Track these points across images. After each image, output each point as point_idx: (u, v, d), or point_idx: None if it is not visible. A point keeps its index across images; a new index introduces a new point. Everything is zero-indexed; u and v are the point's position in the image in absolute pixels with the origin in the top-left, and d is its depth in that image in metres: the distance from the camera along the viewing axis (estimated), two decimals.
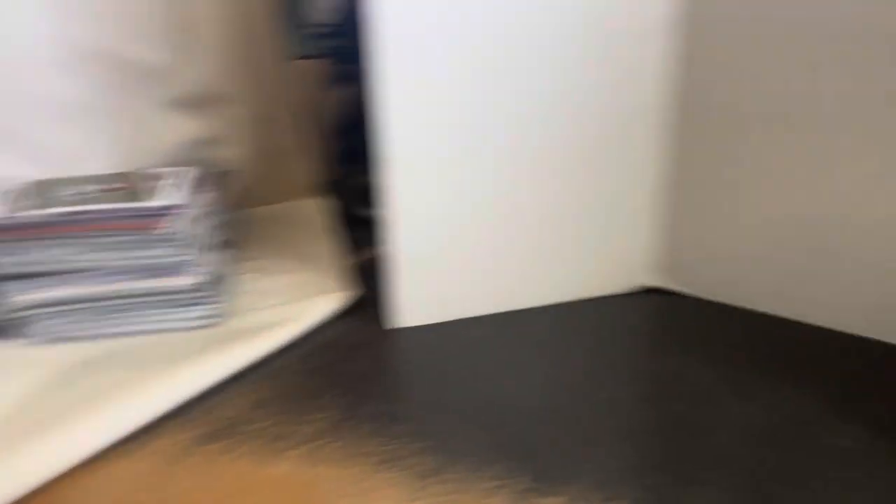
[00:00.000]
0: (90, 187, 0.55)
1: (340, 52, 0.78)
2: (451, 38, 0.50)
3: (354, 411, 0.46)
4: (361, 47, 0.51)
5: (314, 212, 0.76)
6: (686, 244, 0.60)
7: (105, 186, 0.55)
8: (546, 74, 0.53)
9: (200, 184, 0.59)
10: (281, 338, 0.54)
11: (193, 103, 0.68)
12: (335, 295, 0.59)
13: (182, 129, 0.67)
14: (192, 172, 0.59)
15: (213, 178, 0.64)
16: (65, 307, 0.53)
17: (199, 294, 0.54)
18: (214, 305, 0.55)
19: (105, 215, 0.52)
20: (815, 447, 0.42)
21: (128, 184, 0.56)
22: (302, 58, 0.81)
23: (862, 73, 0.48)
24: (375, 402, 0.47)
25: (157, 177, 0.57)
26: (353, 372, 0.51)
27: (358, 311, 0.58)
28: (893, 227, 0.49)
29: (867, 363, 0.50)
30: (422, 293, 0.56)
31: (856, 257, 0.52)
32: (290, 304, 0.57)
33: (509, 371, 0.51)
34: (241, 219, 0.71)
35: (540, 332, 0.56)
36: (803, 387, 0.48)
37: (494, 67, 0.52)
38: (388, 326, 0.56)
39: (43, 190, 0.55)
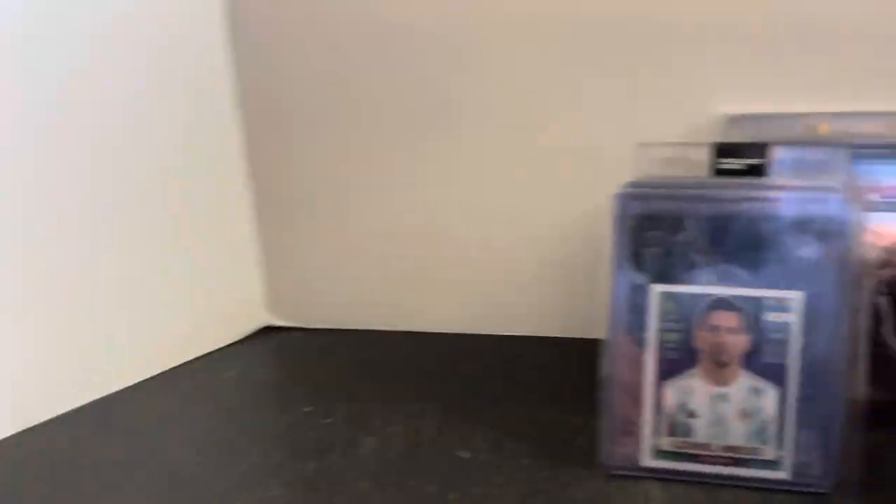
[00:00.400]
0: None
1: None
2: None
3: None
4: None
5: None
6: (288, 278, 0.57)
7: None
8: (110, 138, 0.46)
9: None
10: None
11: None
12: None
13: None
14: None
15: None
16: None
17: None
18: None
19: None
20: (449, 460, 0.42)
21: None
22: None
23: (420, 89, 0.50)
24: None
25: None
26: None
27: None
28: (476, 233, 0.52)
29: (479, 357, 0.53)
30: None
31: (444, 260, 0.54)
32: None
33: (114, 473, 0.43)
34: None
35: (134, 417, 0.49)
36: (430, 399, 0.48)
37: (55, 136, 0.43)
38: None
39: None
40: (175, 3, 0.49)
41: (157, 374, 0.52)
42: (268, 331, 0.59)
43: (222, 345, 0.56)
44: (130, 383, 0.51)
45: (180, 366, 0.54)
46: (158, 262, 0.51)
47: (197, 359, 0.55)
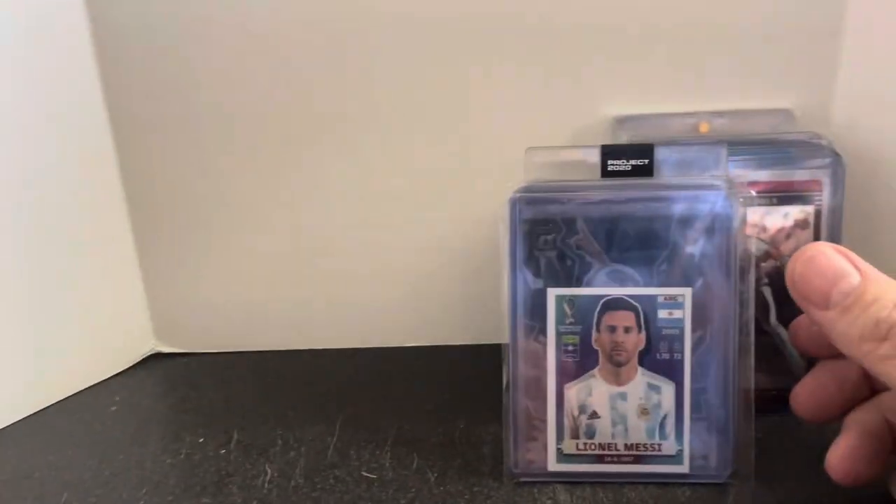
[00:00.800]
0: None
1: None
2: None
3: None
4: None
5: None
6: (175, 302, 0.54)
7: None
8: None
9: None
10: None
11: None
12: None
13: None
14: None
15: None
16: None
17: None
18: None
19: None
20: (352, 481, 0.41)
21: None
22: None
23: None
24: None
25: None
26: None
27: None
28: (371, 246, 0.51)
29: (383, 372, 0.52)
30: None
31: (339, 275, 0.53)
32: None
33: None
34: None
35: (3, 465, 0.45)
36: (333, 419, 0.46)
37: None
38: None
39: None
40: (33, 18, 0.46)
41: (30, 416, 0.48)
42: (155, 358, 0.55)
43: (105, 377, 0.53)
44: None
45: (56, 404, 0.50)
46: (30, 293, 0.48)
47: (76, 394, 0.51)
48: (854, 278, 0.29)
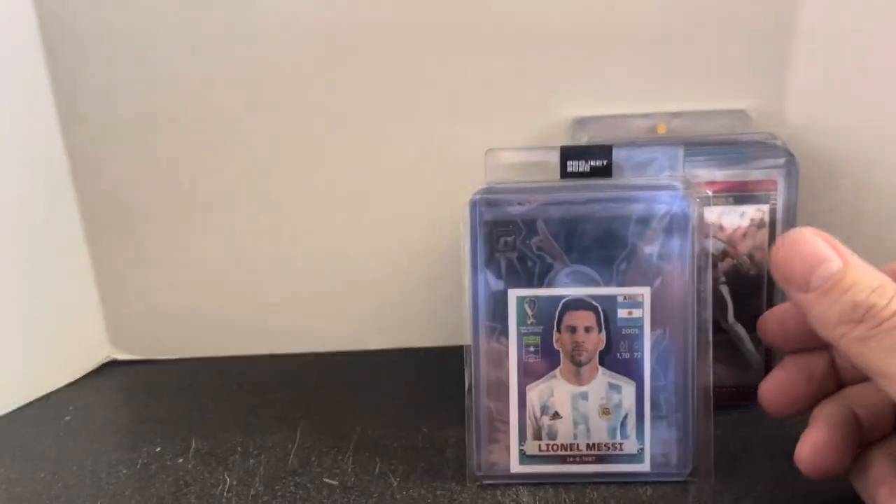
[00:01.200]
0: None
1: None
2: None
3: None
4: None
5: None
6: (131, 307, 0.53)
7: None
8: None
9: None
10: None
11: None
12: None
13: None
14: None
15: None
16: None
17: None
18: None
19: None
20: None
21: None
22: None
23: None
24: None
25: None
26: None
27: None
28: (331, 249, 0.51)
29: (346, 375, 0.51)
30: None
31: (300, 278, 0.52)
32: None
33: None
34: None
35: None
36: (294, 425, 0.46)
37: None
38: None
39: None
40: None
41: None
42: (111, 365, 0.54)
43: (59, 385, 0.51)
44: None
45: (8, 414, 0.48)
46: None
47: (28, 404, 0.49)
48: (834, 263, 0.29)
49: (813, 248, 0.30)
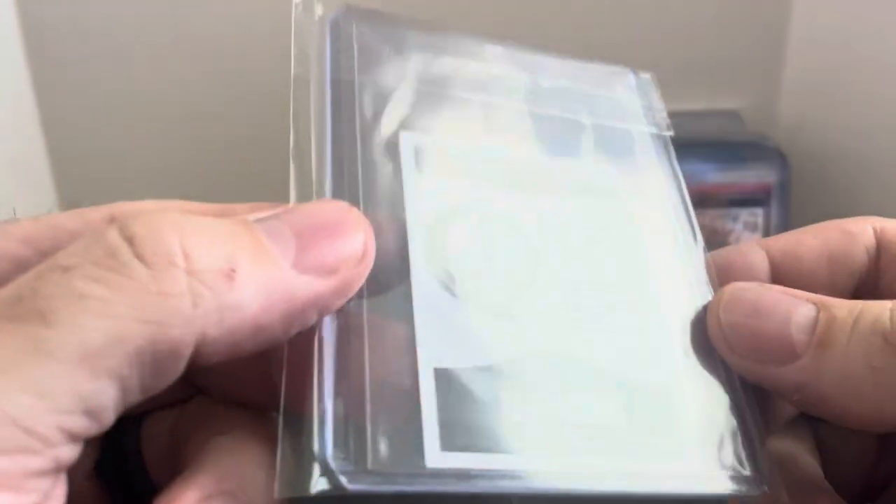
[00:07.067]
0: None
1: None
2: None
3: None
4: None
5: None
6: None
7: None
8: None
9: None
10: None
11: None
12: None
13: None
14: None
15: None
16: None
17: None
18: None
19: None
20: None
21: None
22: None
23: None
24: None
25: None
26: None
27: None
28: None
29: None
30: None
31: None
32: None
33: None
34: None
35: None
36: None
37: None
38: None
39: None
40: None
41: None
42: None
43: None
44: None
45: None
46: None
47: None
48: (804, 305, 0.19)
49: (761, 298, 0.19)
